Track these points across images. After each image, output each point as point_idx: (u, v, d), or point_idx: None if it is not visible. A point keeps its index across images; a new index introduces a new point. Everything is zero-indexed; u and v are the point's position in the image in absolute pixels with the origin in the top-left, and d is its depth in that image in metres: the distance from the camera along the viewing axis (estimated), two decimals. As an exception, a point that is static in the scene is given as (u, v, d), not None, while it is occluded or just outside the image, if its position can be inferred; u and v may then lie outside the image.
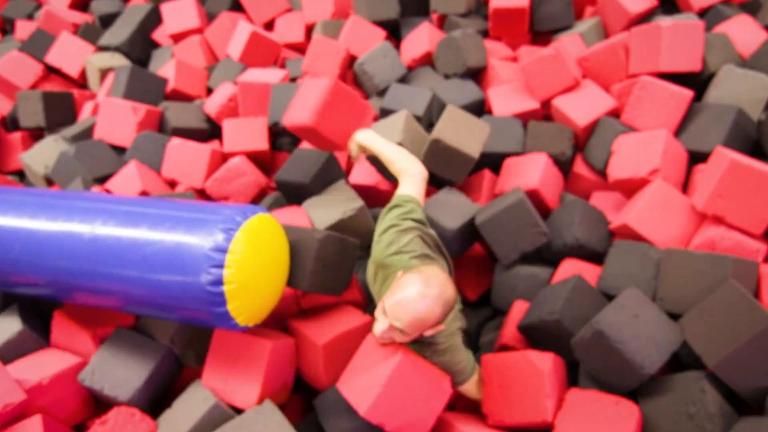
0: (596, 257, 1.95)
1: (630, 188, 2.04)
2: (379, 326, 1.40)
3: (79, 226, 1.55)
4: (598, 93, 2.35)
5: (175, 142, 2.47)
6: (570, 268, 1.92)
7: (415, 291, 1.34)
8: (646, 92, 2.15)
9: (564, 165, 2.29)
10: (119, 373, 1.56)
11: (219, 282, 1.40)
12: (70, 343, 1.78)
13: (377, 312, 1.44)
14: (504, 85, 2.57)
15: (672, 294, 1.68)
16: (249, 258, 1.46)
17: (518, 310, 1.91)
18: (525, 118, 2.42)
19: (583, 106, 2.32)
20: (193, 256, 1.42)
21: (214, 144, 2.61)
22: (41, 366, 1.63)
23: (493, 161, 2.30)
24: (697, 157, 2.05)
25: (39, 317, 1.94)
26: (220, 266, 1.40)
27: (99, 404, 1.70)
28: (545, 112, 2.48)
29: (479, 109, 2.58)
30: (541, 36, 2.92)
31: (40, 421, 1.43)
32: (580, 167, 2.33)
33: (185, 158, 2.44)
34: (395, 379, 1.38)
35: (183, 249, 1.44)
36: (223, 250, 1.41)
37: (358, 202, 1.95)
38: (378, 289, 1.62)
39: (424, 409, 1.43)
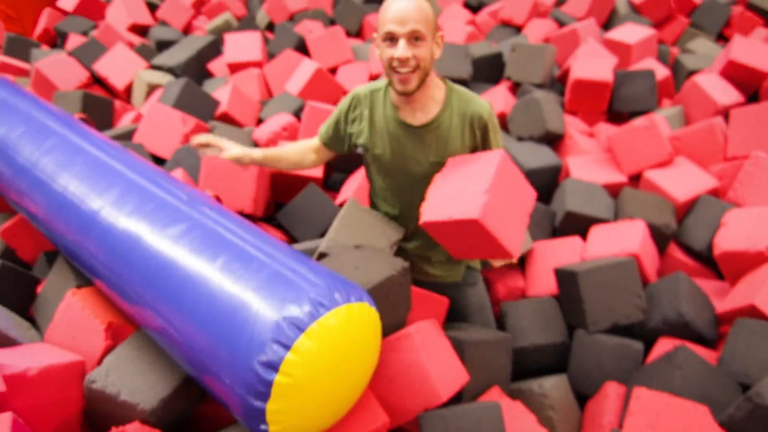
0: (697, 339, 1.65)
1: (740, 263, 1.78)
2: (400, 49, 1.26)
3: (165, 229, 1.27)
4: (695, 171, 2.16)
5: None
6: (670, 347, 1.61)
7: None
8: (759, 169, 1.94)
9: (661, 240, 2.03)
10: (142, 377, 1.18)
11: (274, 365, 0.99)
12: (72, 335, 1.40)
13: (377, 45, 1.33)
14: (584, 156, 2.39)
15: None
16: (326, 353, 1.04)
17: (615, 394, 1.56)
18: (609, 191, 2.21)
19: (680, 183, 2.11)
20: (259, 318, 1.03)
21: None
22: (28, 356, 1.25)
23: (580, 226, 2.04)
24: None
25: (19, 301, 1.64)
26: (286, 346, 0.99)
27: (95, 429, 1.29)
28: (633, 187, 2.26)
29: (555, 175, 2.37)
30: (618, 116, 2.79)
31: (8, 423, 1.02)
32: (674, 248, 2.07)
33: (229, 177, 2.17)
34: (499, 177, 1.24)
35: (252, 304, 1.06)
36: (299, 328, 1.01)
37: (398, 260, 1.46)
38: None
39: (520, 212, 1.29)
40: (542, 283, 1.93)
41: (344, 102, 1.52)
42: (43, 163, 1.62)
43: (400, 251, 1.60)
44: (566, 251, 1.98)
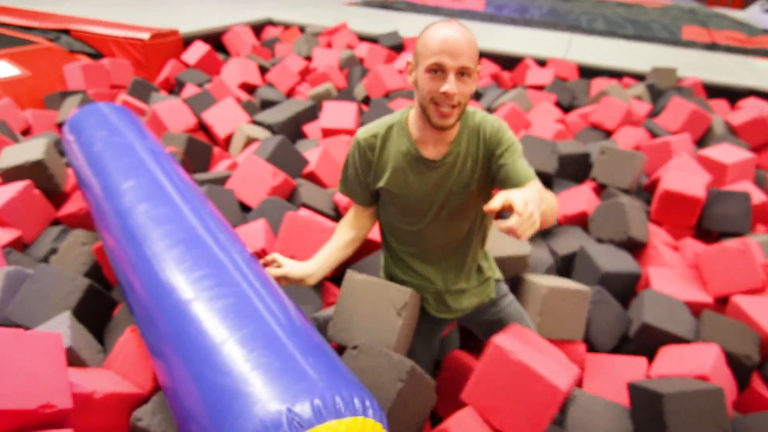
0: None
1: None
2: (449, 84, 1.20)
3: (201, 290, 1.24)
4: (790, 304, 2.01)
5: (303, 213, 2.29)
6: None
7: (452, 25, 1.23)
8: None
9: (742, 373, 1.88)
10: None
11: None
12: (128, 368, 1.45)
13: (409, 71, 1.30)
14: (667, 268, 2.29)
15: None
16: None
17: None
18: (691, 309, 2.09)
19: (772, 313, 1.97)
20: (260, 406, 0.96)
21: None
22: (94, 379, 1.30)
23: (656, 340, 1.93)
24: None
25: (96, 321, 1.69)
26: None
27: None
28: (718, 309, 2.14)
29: (633, 283, 2.28)
30: (706, 234, 2.68)
31: (69, 440, 1.06)
32: (758, 383, 1.90)
33: (307, 236, 2.23)
34: None
35: (250, 395, 0.99)
36: (302, 426, 0.93)
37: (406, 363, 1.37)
38: None
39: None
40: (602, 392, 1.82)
41: (352, 152, 1.45)
42: (121, 196, 1.70)
43: (429, 295, 1.55)
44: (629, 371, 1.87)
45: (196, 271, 1.29)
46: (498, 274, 1.64)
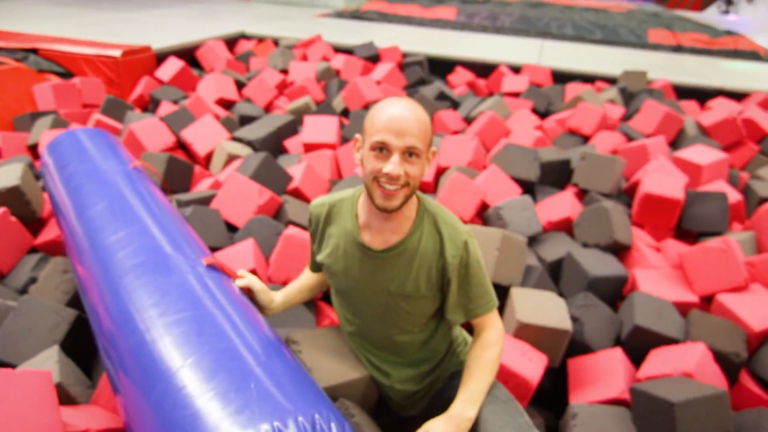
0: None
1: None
2: (392, 165, 1.11)
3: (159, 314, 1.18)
4: (772, 301, 2.06)
5: (294, 231, 2.27)
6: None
7: (403, 102, 1.15)
8: None
9: (731, 369, 1.92)
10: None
11: None
12: (114, 402, 1.40)
13: (357, 148, 1.21)
14: (653, 270, 2.33)
15: None
16: None
17: None
18: (678, 309, 2.13)
19: (757, 310, 2.02)
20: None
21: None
22: (85, 416, 1.26)
23: (648, 342, 1.96)
24: None
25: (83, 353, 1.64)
26: None
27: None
28: (704, 308, 2.18)
29: (620, 286, 2.31)
30: (686, 234, 2.74)
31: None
32: (747, 380, 1.94)
33: (303, 259, 2.21)
34: None
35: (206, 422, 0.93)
36: None
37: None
38: None
39: None
40: (590, 393, 1.83)
41: (309, 216, 1.40)
42: (86, 222, 1.65)
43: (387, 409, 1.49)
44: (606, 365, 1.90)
45: (154, 296, 1.22)
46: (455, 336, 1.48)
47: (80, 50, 4.41)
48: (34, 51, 4.48)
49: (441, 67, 5.23)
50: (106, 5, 7.30)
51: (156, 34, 5.43)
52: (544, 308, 1.96)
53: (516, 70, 5.02)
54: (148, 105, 4.15)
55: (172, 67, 4.46)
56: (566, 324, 1.90)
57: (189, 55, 5.12)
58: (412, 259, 1.23)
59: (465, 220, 2.54)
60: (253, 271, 2.06)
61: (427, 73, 4.98)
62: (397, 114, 1.11)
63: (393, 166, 1.11)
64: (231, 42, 5.70)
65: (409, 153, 1.12)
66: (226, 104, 4.03)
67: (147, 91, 4.20)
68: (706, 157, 3.07)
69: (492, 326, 1.31)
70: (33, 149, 3.28)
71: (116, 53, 4.36)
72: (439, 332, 1.39)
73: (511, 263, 2.14)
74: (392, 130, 1.10)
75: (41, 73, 4.22)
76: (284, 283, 2.17)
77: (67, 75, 4.37)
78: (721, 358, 1.90)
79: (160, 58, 4.71)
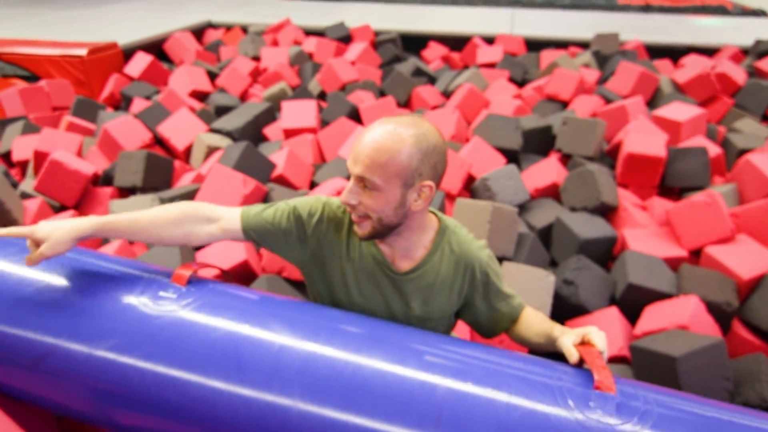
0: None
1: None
2: (344, 192, 1.00)
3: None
4: (758, 248, 2.11)
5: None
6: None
7: (381, 127, 0.98)
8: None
9: (723, 319, 1.96)
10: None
11: None
12: None
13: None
14: (641, 228, 2.37)
15: None
16: None
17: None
18: (669, 265, 2.17)
19: (744, 260, 2.06)
20: None
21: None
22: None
23: (642, 299, 2.00)
24: None
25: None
26: None
27: None
28: (692, 262, 2.22)
29: (610, 246, 2.35)
30: (669, 191, 2.78)
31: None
32: (739, 327, 2.00)
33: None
34: None
35: None
36: None
37: None
38: None
39: None
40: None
41: (314, 204, 1.15)
42: None
43: None
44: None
45: None
46: None
47: (44, 51, 4.28)
48: (-4, 56, 4.34)
49: (414, 43, 5.19)
50: (64, 2, 7.09)
51: (120, 29, 5.30)
52: (529, 290, 1.94)
53: (489, 41, 5.00)
54: (120, 103, 4.06)
55: (140, 62, 4.36)
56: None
57: (157, 48, 5.00)
58: (434, 279, 1.12)
59: (453, 194, 2.55)
60: (245, 263, 2.04)
61: (401, 50, 4.94)
62: (366, 138, 0.98)
63: (344, 193, 1.00)
64: (198, 32, 5.58)
65: (364, 186, 0.99)
66: (200, 96, 3.96)
67: (117, 88, 4.10)
68: (684, 113, 3.10)
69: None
70: (6, 157, 3.19)
71: (82, 52, 4.24)
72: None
73: (503, 235, 2.15)
74: (353, 155, 0.99)
75: (5, 78, 4.10)
76: (278, 273, 2.17)
77: (32, 78, 4.24)
78: (713, 309, 1.95)
79: (128, 54, 4.60)
